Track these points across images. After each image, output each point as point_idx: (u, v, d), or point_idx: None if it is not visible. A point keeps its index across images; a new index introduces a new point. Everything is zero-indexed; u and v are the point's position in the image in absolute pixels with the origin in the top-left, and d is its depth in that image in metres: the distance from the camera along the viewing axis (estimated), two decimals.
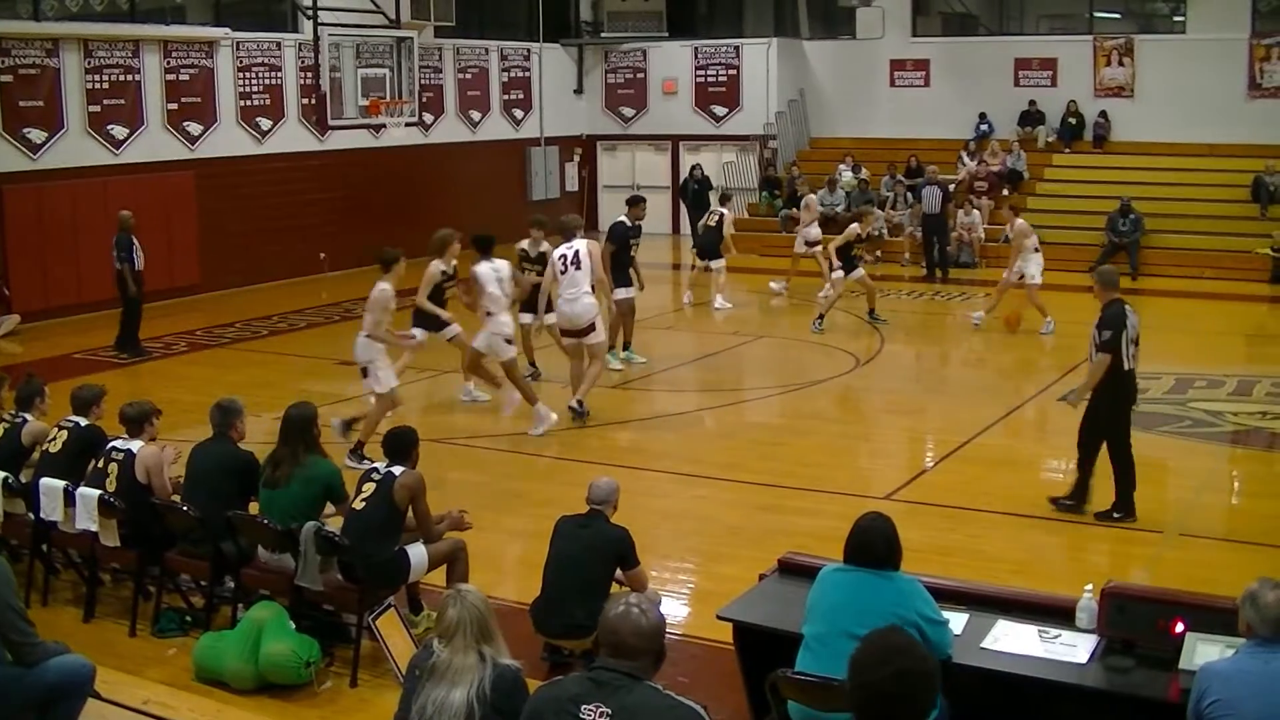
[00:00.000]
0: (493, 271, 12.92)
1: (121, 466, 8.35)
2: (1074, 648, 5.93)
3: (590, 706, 4.37)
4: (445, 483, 10.90)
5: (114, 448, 8.48)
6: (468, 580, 7.89)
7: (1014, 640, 6.02)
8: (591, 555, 7.33)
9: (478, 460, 12.46)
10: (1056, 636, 6.02)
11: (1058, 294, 21.29)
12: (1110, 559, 9.47)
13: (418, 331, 13.78)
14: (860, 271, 18.49)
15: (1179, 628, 5.68)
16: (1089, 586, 6.20)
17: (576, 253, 13.27)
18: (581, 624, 7.02)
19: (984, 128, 26.99)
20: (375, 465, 7.87)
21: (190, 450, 8.58)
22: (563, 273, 13.26)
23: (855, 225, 18.28)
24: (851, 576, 5.75)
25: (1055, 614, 6.22)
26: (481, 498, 10.81)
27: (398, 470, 7.72)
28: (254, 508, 8.12)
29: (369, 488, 7.72)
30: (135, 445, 8.44)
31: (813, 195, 23.05)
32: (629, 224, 16.15)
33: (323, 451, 8.19)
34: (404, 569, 7.80)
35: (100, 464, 8.48)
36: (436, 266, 13.56)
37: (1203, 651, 5.46)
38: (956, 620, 6.10)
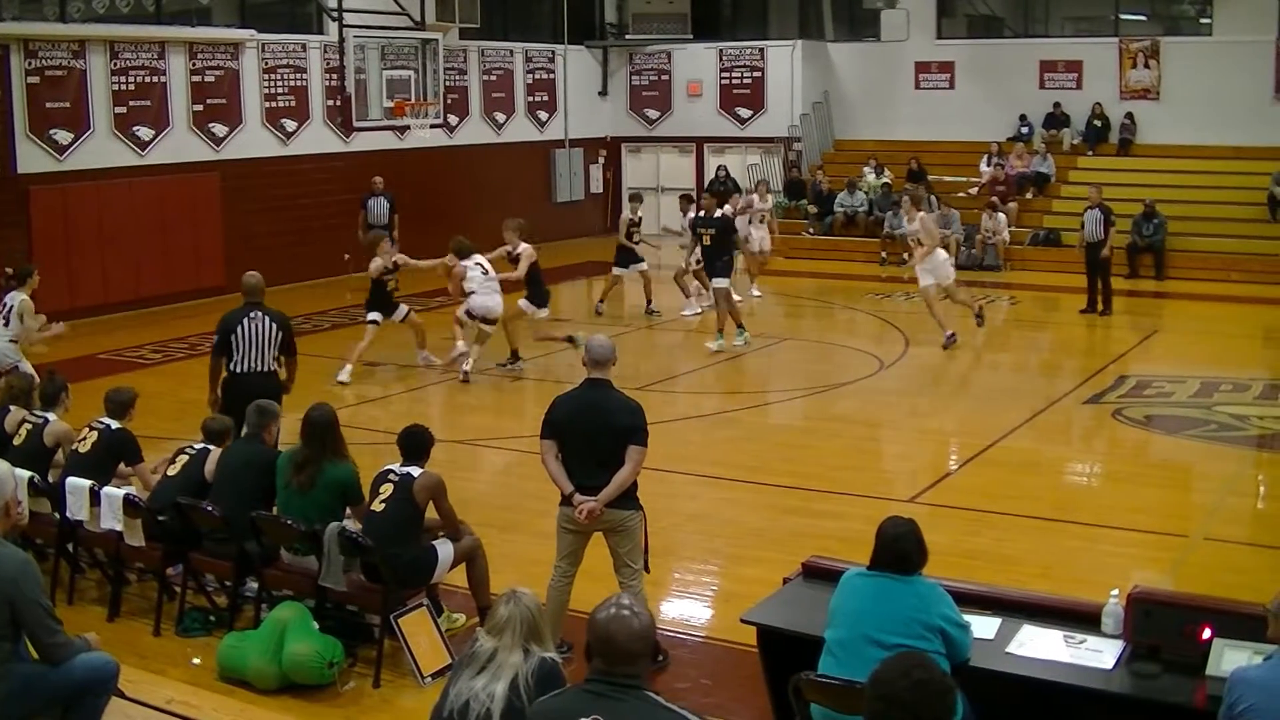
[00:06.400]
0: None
1: (193, 460, 8.63)
2: (1100, 653, 5.90)
3: None
4: (466, 485, 10.90)
5: (189, 446, 8.86)
6: (488, 578, 7.92)
7: (1040, 645, 5.99)
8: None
9: (494, 462, 12.46)
10: (1082, 642, 5.99)
11: (1078, 296, 21.20)
12: (1136, 563, 9.40)
13: (374, 315, 15.22)
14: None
15: (1206, 634, 5.63)
16: (1115, 591, 6.17)
17: None
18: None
19: (1024, 129, 26.91)
20: (391, 466, 7.87)
21: (222, 450, 8.63)
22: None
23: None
24: (874, 582, 5.73)
25: (1081, 619, 6.19)
26: (507, 499, 10.81)
27: (415, 471, 7.73)
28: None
29: (386, 489, 7.72)
30: (210, 447, 8.75)
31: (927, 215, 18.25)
32: (702, 216, 17.54)
33: (345, 454, 8.19)
34: (428, 568, 7.80)
35: (172, 458, 8.87)
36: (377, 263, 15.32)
37: (1230, 658, 5.42)
38: (989, 625, 6.09)
